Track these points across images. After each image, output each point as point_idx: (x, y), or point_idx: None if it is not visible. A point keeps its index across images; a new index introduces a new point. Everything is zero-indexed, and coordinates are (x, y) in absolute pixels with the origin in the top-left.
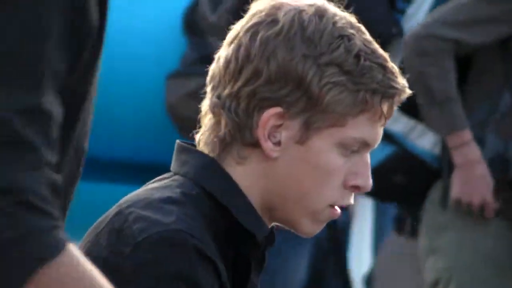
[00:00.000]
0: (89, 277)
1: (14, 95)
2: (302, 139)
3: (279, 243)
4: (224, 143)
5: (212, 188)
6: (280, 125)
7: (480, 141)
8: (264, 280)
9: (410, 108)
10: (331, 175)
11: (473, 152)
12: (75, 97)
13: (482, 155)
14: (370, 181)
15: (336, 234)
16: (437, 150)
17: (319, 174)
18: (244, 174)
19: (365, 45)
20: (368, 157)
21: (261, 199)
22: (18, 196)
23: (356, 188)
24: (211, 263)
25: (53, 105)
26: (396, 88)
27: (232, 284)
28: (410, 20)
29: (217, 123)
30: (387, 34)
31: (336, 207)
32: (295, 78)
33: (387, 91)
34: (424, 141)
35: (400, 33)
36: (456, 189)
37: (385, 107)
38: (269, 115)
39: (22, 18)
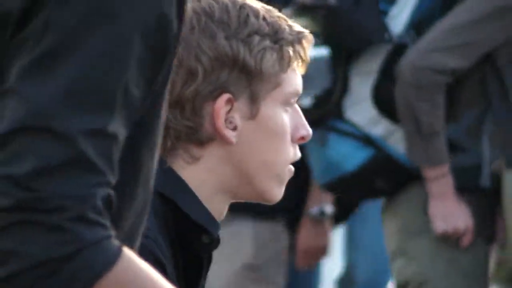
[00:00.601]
0: (147, 277)
1: (84, 116)
2: (253, 114)
3: None
4: (170, 148)
5: (164, 190)
6: (230, 110)
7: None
8: None
9: (390, 113)
10: (285, 134)
11: (450, 183)
12: (145, 124)
13: (460, 162)
14: (309, 128)
15: None
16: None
17: (277, 138)
18: (198, 171)
19: (261, 6)
20: (297, 106)
21: (222, 188)
22: (76, 210)
23: (302, 139)
24: (160, 264)
25: (120, 129)
26: (303, 32)
27: (185, 284)
28: (392, 21)
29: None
30: (379, 41)
31: (291, 165)
32: (228, 61)
33: (299, 37)
34: (401, 143)
35: (391, 39)
36: (439, 223)
37: (302, 53)
38: (220, 104)
39: (106, 39)
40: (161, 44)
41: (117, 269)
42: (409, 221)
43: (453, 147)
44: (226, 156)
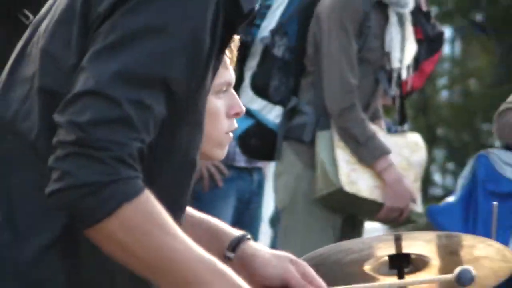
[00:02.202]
0: (159, 212)
1: (130, 89)
2: None
3: (211, 196)
4: None
5: None
6: None
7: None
8: None
9: (262, 94)
10: (217, 114)
11: (397, 171)
12: (184, 110)
13: None
14: (243, 106)
15: (254, 188)
16: (277, 121)
17: (211, 118)
18: None
19: None
20: (233, 90)
21: None
22: (117, 152)
23: (236, 115)
24: None
25: (156, 103)
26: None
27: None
28: (263, 30)
29: None
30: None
31: (230, 133)
32: None
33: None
34: (271, 115)
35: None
36: (390, 201)
37: (229, 53)
38: None
39: (152, 44)
40: (195, 55)
41: (143, 200)
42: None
43: (295, 111)
44: None
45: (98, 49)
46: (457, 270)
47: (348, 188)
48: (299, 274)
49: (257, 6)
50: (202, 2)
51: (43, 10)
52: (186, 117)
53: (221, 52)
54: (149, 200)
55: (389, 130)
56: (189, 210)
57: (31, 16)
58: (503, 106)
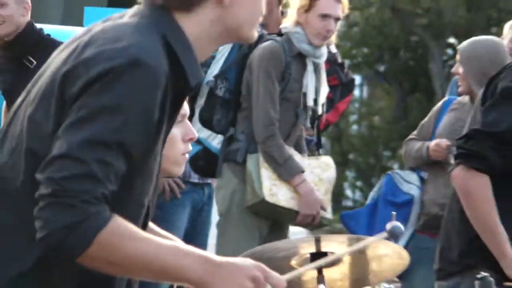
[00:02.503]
0: (126, 227)
1: (94, 152)
2: None
3: (171, 205)
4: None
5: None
6: None
7: None
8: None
9: (207, 125)
10: (175, 140)
11: (310, 185)
12: (136, 171)
13: None
14: (196, 133)
15: (205, 200)
16: (219, 146)
17: (170, 143)
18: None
19: None
20: (187, 120)
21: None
22: (85, 197)
23: (191, 140)
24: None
25: (116, 161)
26: None
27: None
28: (208, 77)
29: None
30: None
31: (186, 154)
32: None
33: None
34: (214, 142)
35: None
36: (304, 209)
37: None
38: None
39: (110, 119)
40: (146, 125)
41: (112, 225)
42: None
43: (232, 139)
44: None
45: (70, 122)
46: (389, 226)
47: (269, 199)
48: None
49: (201, 80)
50: (152, 86)
51: (35, 77)
52: (140, 170)
53: (174, 115)
54: (117, 221)
55: (305, 152)
56: (155, 228)
57: (34, 62)
58: (409, 136)
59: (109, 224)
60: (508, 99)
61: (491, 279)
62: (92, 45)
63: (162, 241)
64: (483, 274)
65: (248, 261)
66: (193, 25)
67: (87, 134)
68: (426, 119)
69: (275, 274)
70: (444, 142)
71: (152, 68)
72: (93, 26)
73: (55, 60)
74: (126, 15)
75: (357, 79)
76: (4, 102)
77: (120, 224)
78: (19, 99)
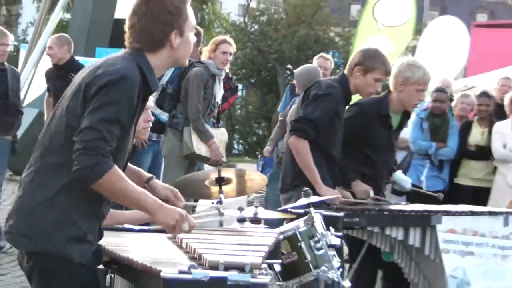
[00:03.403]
0: (120, 173)
1: (105, 125)
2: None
3: (141, 153)
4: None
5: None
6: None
7: None
8: None
9: (161, 107)
10: (141, 122)
11: (216, 144)
12: (123, 135)
13: None
14: (152, 117)
15: (159, 149)
16: (167, 119)
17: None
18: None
19: None
20: (149, 109)
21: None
22: (100, 151)
23: (149, 121)
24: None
25: (116, 130)
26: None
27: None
28: (163, 81)
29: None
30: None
31: (148, 129)
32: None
33: (145, 103)
34: (163, 116)
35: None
36: (213, 156)
37: None
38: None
39: (111, 108)
40: (130, 111)
41: (113, 170)
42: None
43: (174, 116)
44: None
45: (90, 109)
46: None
47: (197, 151)
48: (173, 195)
49: (157, 87)
50: (132, 89)
51: (70, 85)
52: (124, 135)
53: (143, 106)
54: (115, 169)
55: (213, 126)
56: (131, 166)
57: (73, 77)
58: (280, 118)
59: (112, 169)
60: (316, 100)
61: (310, 191)
62: (100, 67)
63: (137, 186)
64: (306, 188)
65: (177, 208)
66: (155, 59)
67: (100, 116)
68: (288, 108)
69: (190, 217)
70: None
71: (132, 80)
72: (102, 58)
73: (81, 75)
74: (120, 52)
75: (240, 86)
76: (47, 95)
77: (117, 170)
78: (62, 97)
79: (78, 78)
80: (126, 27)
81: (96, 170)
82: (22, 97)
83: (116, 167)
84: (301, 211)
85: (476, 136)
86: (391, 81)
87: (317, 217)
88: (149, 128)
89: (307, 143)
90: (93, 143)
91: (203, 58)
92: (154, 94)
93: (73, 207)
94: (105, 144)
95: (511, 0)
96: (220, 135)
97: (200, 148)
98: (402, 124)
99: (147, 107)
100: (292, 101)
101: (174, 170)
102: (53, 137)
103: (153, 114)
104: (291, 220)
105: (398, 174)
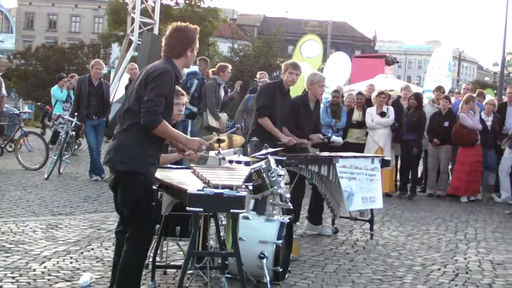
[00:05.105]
0: (166, 124)
1: (159, 99)
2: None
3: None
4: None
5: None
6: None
7: None
8: None
9: (191, 103)
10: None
11: (223, 121)
12: (168, 104)
13: None
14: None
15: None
16: (195, 110)
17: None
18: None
19: None
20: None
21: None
22: (155, 112)
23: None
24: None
25: (164, 101)
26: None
27: None
28: (191, 90)
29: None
30: None
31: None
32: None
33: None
34: (194, 109)
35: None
36: (221, 128)
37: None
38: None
39: (162, 88)
40: (171, 90)
41: (163, 122)
42: None
43: (199, 108)
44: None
45: (149, 89)
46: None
47: (212, 124)
48: (199, 142)
49: (183, 80)
50: (171, 78)
51: (134, 80)
52: (167, 106)
53: (175, 90)
54: (164, 122)
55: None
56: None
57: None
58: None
59: (162, 122)
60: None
61: (260, 142)
62: (152, 67)
63: (176, 130)
64: (256, 139)
65: (197, 138)
66: (178, 63)
67: (154, 93)
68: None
69: (204, 145)
70: None
71: (170, 73)
72: (151, 64)
73: (141, 73)
74: (159, 60)
75: (229, 90)
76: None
77: (165, 122)
78: (131, 86)
79: (139, 75)
80: (162, 43)
81: (154, 122)
82: (111, 97)
83: (164, 121)
84: (263, 157)
85: (356, 115)
86: (305, 85)
87: (272, 160)
88: (182, 114)
89: (268, 119)
90: (152, 108)
91: (211, 75)
92: (187, 98)
93: (148, 145)
94: (157, 108)
95: (372, 43)
96: (224, 118)
97: (213, 123)
98: (316, 108)
99: (181, 102)
100: (248, 98)
101: (200, 134)
102: (131, 107)
103: (188, 109)
104: (258, 161)
105: (334, 137)
